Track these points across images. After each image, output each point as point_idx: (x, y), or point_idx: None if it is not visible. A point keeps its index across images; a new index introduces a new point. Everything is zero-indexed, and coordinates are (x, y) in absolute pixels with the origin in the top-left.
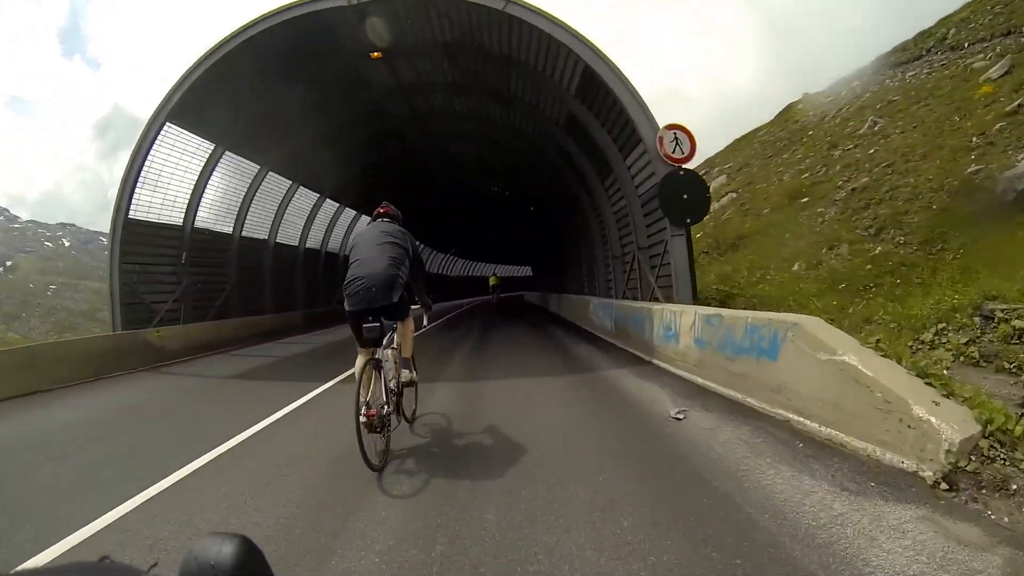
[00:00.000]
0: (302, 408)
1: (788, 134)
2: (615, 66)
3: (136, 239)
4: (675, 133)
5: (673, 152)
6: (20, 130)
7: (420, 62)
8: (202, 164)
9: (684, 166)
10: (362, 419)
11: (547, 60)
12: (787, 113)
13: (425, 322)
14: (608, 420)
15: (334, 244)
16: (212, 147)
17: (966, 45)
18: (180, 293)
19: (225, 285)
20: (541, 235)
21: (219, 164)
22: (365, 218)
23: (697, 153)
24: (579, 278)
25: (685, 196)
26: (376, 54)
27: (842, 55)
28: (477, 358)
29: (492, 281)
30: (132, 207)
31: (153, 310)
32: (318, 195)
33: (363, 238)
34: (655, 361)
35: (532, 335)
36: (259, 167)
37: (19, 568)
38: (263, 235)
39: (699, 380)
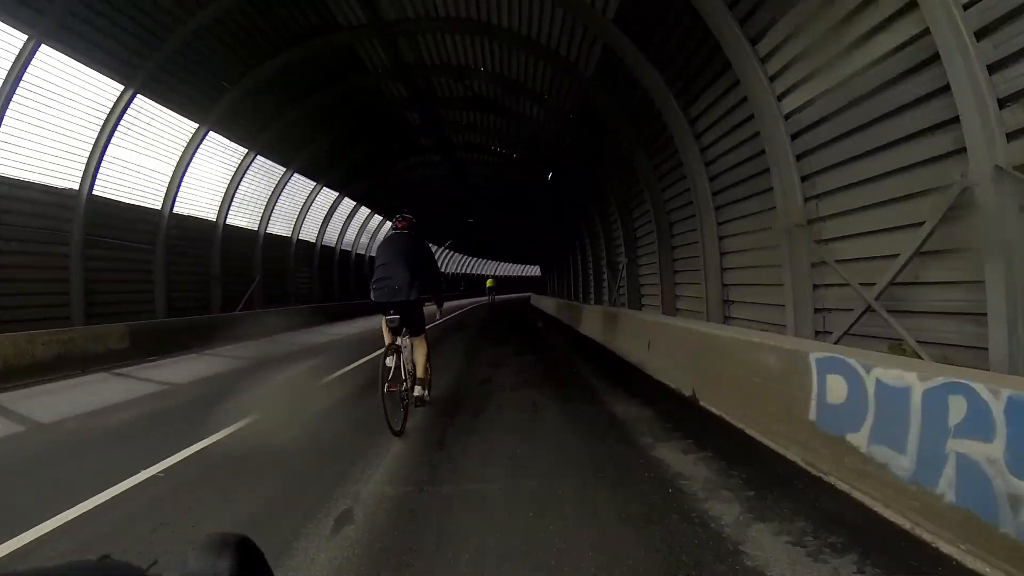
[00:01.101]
0: None
1: None
2: None
3: None
4: None
5: None
6: None
7: None
8: None
9: None
10: (386, 400)
11: None
12: None
13: (438, 316)
14: None
15: (249, 216)
16: None
17: None
18: None
19: None
20: (560, 223)
21: None
22: (301, 180)
23: None
24: (633, 283)
25: None
26: None
27: None
28: None
29: (489, 283)
30: None
31: None
32: (197, 125)
33: (387, 246)
34: None
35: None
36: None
37: (19, 568)
38: (66, 182)
39: None
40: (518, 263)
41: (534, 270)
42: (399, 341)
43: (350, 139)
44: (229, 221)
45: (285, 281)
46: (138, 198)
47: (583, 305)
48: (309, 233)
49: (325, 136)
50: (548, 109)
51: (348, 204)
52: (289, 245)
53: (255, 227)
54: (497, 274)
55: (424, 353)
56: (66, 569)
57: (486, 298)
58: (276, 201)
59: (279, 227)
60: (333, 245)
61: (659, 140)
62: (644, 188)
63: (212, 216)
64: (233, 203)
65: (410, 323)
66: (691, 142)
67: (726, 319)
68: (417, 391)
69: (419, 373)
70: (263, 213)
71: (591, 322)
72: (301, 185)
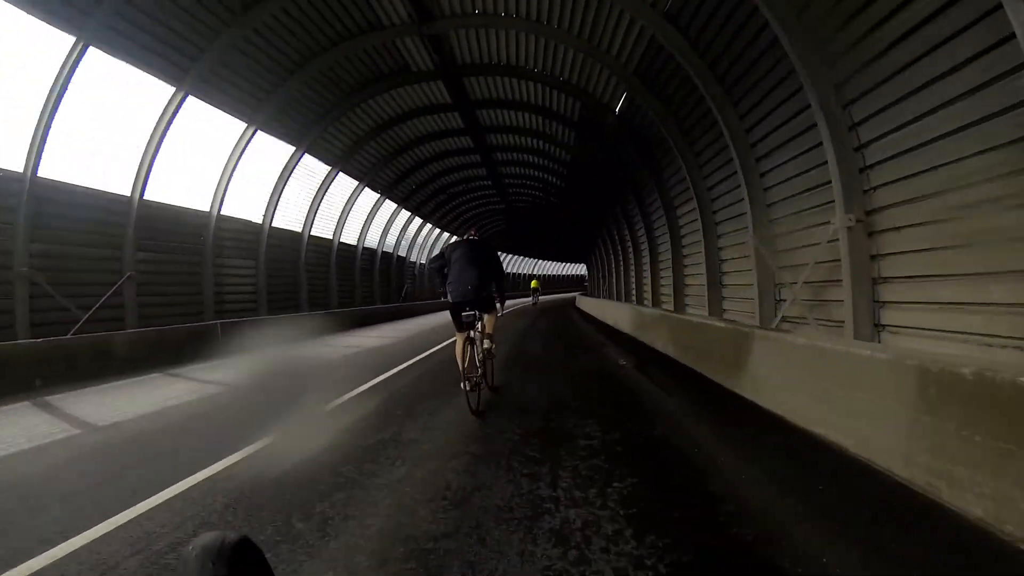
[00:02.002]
0: None
1: None
2: None
3: None
4: None
5: None
6: None
7: None
8: None
9: None
10: (466, 384)
11: None
12: None
13: (500, 312)
14: None
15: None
16: None
17: None
18: None
19: None
20: (621, 187)
21: None
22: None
23: None
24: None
25: None
26: None
27: None
28: None
29: (533, 284)
30: None
31: None
32: None
33: (460, 252)
34: None
35: None
36: None
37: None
38: None
39: None
40: (559, 260)
41: (577, 268)
42: (472, 335)
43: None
44: (48, 174)
45: (205, 282)
46: None
47: (768, 333)
48: (252, 213)
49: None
50: None
51: (316, 166)
52: (206, 225)
53: (127, 193)
54: (537, 273)
55: (494, 320)
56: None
57: (530, 300)
58: (161, 140)
59: (188, 198)
60: (295, 228)
61: None
62: None
63: (16, 165)
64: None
65: (483, 308)
66: None
67: None
68: (487, 344)
69: (488, 330)
70: (141, 164)
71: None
72: (231, 127)
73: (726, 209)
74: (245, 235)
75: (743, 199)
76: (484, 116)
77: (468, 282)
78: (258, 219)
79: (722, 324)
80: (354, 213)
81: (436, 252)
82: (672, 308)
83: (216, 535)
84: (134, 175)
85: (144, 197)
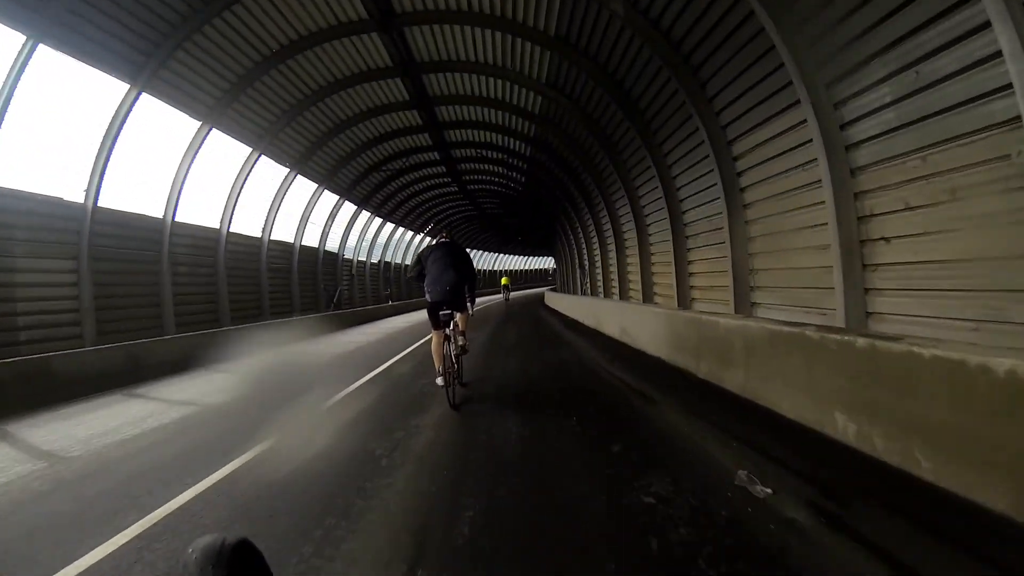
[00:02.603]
0: None
1: None
2: None
3: None
4: None
5: None
6: None
7: None
8: None
9: None
10: (440, 380)
11: None
12: None
13: (472, 311)
14: None
15: None
16: None
17: None
18: None
19: None
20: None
21: None
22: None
23: None
24: None
25: None
26: None
27: None
28: None
29: (504, 281)
30: None
31: None
32: None
33: (437, 255)
34: None
35: None
36: None
37: None
38: None
39: None
40: (522, 254)
41: (543, 262)
42: (447, 332)
43: None
44: None
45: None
46: None
47: None
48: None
49: None
50: None
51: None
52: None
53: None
54: (500, 268)
55: (466, 318)
56: None
57: (500, 296)
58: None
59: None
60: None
61: None
62: None
63: None
64: None
65: (458, 306)
66: None
67: None
68: (461, 340)
69: (461, 327)
70: None
71: None
72: None
73: (897, 107)
74: (46, 220)
75: (996, 54)
76: (418, 39)
77: (446, 283)
78: (77, 197)
79: None
80: (255, 193)
81: (369, 245)
82: (734, 309)
83: (216, 537)
84: None
85: None
